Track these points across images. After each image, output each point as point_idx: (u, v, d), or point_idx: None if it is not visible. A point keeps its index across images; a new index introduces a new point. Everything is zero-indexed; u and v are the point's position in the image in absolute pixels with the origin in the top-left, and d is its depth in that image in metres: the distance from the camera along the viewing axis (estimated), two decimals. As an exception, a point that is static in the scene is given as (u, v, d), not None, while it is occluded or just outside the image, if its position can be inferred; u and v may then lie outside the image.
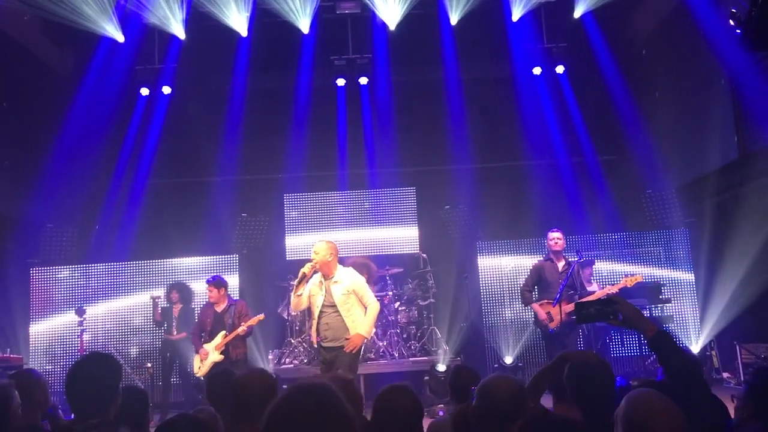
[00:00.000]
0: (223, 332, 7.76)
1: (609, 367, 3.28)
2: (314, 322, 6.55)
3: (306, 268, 6.40)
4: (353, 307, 6.49)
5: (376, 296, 9.84)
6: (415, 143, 11.80)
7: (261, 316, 7.90)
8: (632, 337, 9.40)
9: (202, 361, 7.81)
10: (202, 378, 8.08)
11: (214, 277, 8.12)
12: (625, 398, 2.38)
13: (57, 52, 11.15)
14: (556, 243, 7.96)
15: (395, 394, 3.15)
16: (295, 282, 6.48)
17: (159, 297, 9.15)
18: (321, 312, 6.49)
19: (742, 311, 8.78)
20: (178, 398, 9.22)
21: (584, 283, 8.15)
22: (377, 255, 11.17)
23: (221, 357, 7.69)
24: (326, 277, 6.53)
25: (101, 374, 2.86)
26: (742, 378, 8.36)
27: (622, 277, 7.94)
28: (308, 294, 6.57)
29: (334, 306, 6.46)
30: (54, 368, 9.82)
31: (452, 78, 11.27)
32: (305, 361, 9.53)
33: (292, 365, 9.59)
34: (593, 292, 7.85)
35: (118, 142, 11.29)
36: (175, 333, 8.93)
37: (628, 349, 9.50)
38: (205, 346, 7.79)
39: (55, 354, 9.93)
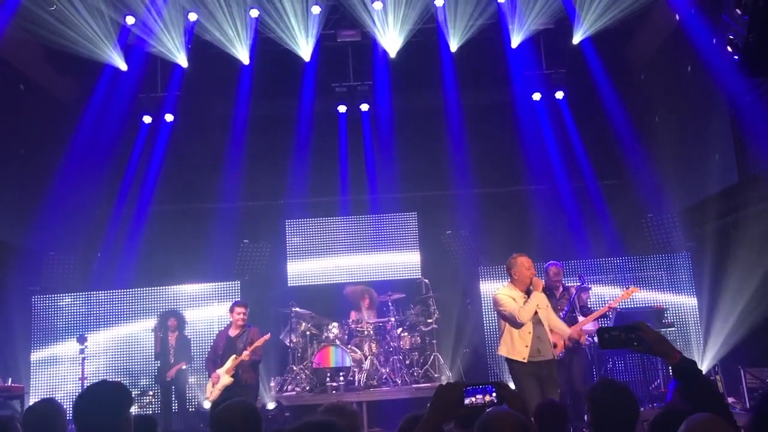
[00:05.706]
0: (234, 356, 7.89)
1: None
2: (529, 337, 6.36)
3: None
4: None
5: (377, 322, 9.98)
6: (416, 169, 11.83)
7: (266, 336, 8.08)
8: (635, 361, 9.35)
9: (213, 385, 7.95)
10: (205, 405, 8.13)
11: (242, 300, 8.33)
12: (685, 422, 2.34)
13: (60, 80, 11.21)
14: (556, 275, 8.06)
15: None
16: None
17: (157, 329, 9.18)
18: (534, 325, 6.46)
19: (747, 335, 8.70)
20: (179, 426, 9.15)
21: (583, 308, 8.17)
22: (379, 281, 11.18)
23: (231, 380, 7.83)
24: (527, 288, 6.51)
25: (110, 402, 2.70)
26: (747, 403, 8.28)
27: (620, 293, 8.03)
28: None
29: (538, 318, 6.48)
30: (55, 396, 9.74)
31: (452, 104, 11.32)
32: (307, 388, 9.47)
33: (294, 392, 9.52)
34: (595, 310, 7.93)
35: (121, 170, 11.34)
36: (172, 361, 8.90)
37: (631, 374, 9.42)
38: (218, 370, 7.93)
39: (56, 382, 9.86)
